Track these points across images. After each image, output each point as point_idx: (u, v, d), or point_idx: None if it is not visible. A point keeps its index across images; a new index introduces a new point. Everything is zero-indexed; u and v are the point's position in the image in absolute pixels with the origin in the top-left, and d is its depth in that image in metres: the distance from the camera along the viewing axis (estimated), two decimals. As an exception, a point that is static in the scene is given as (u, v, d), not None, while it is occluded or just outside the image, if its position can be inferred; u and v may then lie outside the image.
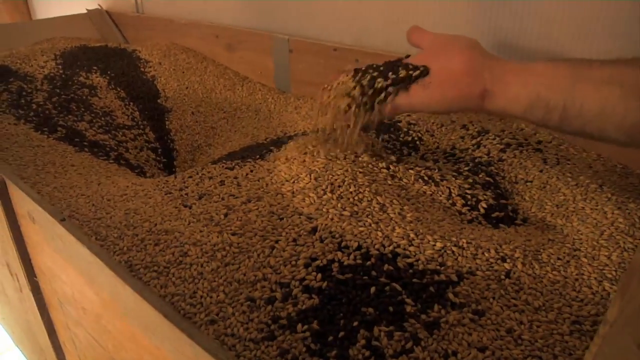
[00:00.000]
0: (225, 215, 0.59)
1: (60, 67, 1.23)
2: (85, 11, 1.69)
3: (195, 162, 1.09)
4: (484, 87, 0.55)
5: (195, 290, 0.50)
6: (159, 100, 1.18)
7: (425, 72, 0.58)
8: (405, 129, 0.82)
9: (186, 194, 0.67)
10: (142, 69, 1.28)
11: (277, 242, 0.53)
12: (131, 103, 1.16)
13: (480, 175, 0.67)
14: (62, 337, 0.66)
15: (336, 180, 0.60)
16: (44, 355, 0.80)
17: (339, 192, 0.59)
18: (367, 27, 1.02)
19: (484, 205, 0.62)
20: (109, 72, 1.23)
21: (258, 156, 0.75)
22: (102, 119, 1.07)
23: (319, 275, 0.49)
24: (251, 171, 0.70)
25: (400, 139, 0.80)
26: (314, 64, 1.08)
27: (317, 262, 0.50)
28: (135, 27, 1.62)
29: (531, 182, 0.68)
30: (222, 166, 0.74)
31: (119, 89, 1.18)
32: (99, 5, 1.71)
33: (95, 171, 0.86)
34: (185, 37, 1.42)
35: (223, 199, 0.63)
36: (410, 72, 0.59)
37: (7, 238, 0.63)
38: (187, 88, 1.23)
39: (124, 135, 1.06)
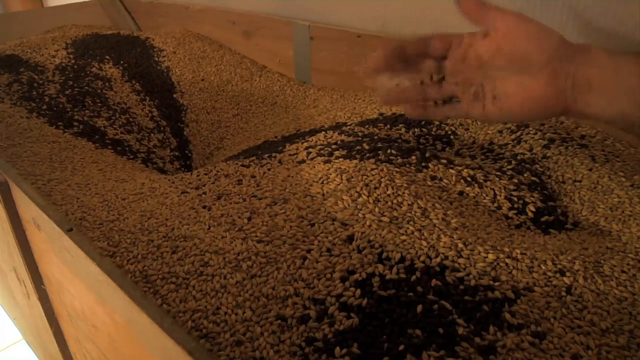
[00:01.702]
0: (249, 219, 0.54)
1: (71, 56, 1.19)
2: (97, -2, 1.64)
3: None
4: (564, 106, 0.47)
5: (219, 305, 0.45)
6: (174, 96, 1.13)
7: None
8: (437, 122, 0.77)
9: (204, 193, 0.62)
10: (156, 59, 1.23)
11: (309, 251, 0.48)
12: (147, 98, 1.10)
13: (525, 175, 0.61)
14: (72, 348, 0.62)
15: (371, 181, 0.55)
16: (54, 361, 0.77)
17: (375, 195, 0.53)
18: (393, 12, 0.95)
19: (532, 209, 0.56)
20: (122, 62, 1.18)
21: (273, 154, 0.70)
22: (122, 116, 1.02)
23: (358, 291, 0.43)
24: (269, 169, 0.65)
25: (433, 132, 0.75)
26: (336, 51, 1.02)
27: (356, 275, 0.45)
28: (148, 13, 1.57)
29: (580, 182, 0.62)
30: (238, 164, 0.69)
31: (133, 82, 1.13)
32: (111, -9, 1.66)
33: (119, 168, 0.82)
34: (200, 24, 1.37)
35: (244, 200, 0.58)
36: None
37: (12, 244, 0.58)
38: (202, 80, 1.17)
39: (149, 140, 1.01)
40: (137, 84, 1.13)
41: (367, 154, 0.61)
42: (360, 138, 0.68)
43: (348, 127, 0.75)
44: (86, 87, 1.06)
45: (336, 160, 0.60)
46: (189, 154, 1.05)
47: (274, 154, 0.69)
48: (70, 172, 0.76)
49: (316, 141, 0.70)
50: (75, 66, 1.14)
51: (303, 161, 0.63)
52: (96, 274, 0.37)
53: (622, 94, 0.45)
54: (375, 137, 0.70)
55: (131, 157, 0.91)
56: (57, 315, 0.60)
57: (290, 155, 0.67)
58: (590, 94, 0.46)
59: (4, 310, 1.12)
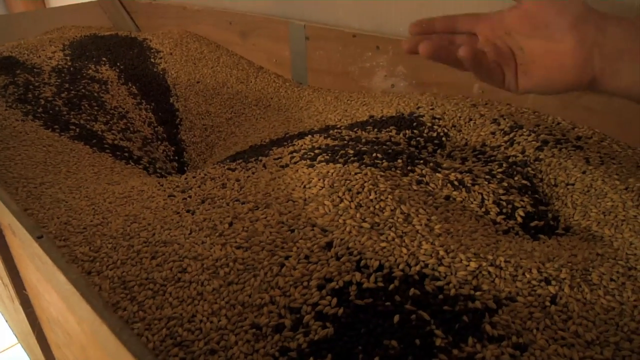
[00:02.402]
0: (230, 224, 0.53)
1: (68, 58, 1.18)
2: (97, -1, 1.64)
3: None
4: (593, 75, 0.45)
5: (195, 313, 0.44)
6: (170, 100, 1.11)
7: None
8: (429, 124, 0.75)
9: (189, 197, 0.62)
10: (153, 60, 1.22)
11: (287, 258, 0.47)
12: (143, 101, 1.09)
13: (516, 178, 0.60)
14: (56, 354, 0.61)
15: (354, 186, 0.54)
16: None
17: (357, 200, 0.52)
18: (387, 12, 0.94)
19: (521, 213, 0.55)
20: (118, 64, 1.17)
21: (259, 157, 0.69)
22: (120, 122, 1.01)
23: (335, 300, 0.42)
24: (253, 173, 0.64)
25: (424, 134, 0.73)
26: (331, 51, 1.01)
27: (333, 284, 0.44)
28: (148, 14, 1.56)
29: (573, 185, 0.61)
30: (224, 167, 0.68)
31: (129, 84, 1.12)
32: (111, -8, 1.66)
33: (117, 172, 0.81)
34: (198, 24, 1.36)
35: (228, 204, 0.57)
36: None
37: (-6, 249, 0.58)
38: (198, 82, 1.16)
39: (149, 148, 1.00)
40: (134, 86, 1.12)
41: (352, 158, 0.59)
42: (346, 142, 0.67)
43: (336, 130, 0.74)
44: (82, 90, 1.05)
45: (319, 165, 0.59)
46: (185, 164, 1.04)
47: (260, 158, 0.68)
48: (63, 175, 0.75)
49: (302, 145, 0.68)
50: (71, 68, 1.13)
51: (286, 165, 0.62)
52: (63, 283, 0.36)
53: None
54: (363, 141, 0.69)
55: (131, 163, 0.90)
56: (40, 320, 0.59)
57: (274, 159, 0.66)
58: (621, 63, 0.44)
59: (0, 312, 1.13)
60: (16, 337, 1.06)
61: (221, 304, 0.44)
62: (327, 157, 0.61)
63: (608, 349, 0.39)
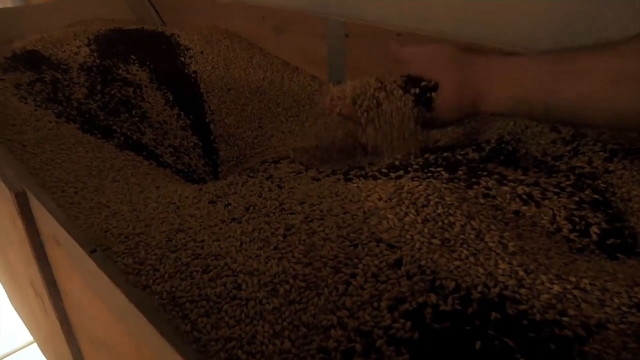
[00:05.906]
0: (284, 236, 0.50)
1: (95, 54, 1.14)
2: (121, -8, 1.61)
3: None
4: (475, 93, 0.60)
5: (254, 334, 0.41)
6: (206, 120, 1.06)
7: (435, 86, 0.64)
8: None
9: (229, 204, 0.58)
10: (183, 59, 1.17)
11: (353, 276, 0.43)
12: (182, 113, 1.04)
13: (587, 192, 0.56)
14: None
15: (418, 199, 0.50)
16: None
17: (424, 214, 0.49)
18: (431, 8, 0.90)
19: (596, 230, 0.51)
20: (147, 63, 1.12)
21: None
22: (166, 142, 0.96)
23: (408, 324, 0.39)
24: (286, 183, 0.61)
25: (483, 145, 0.69)
26: (373, 50, 0.97)
27: (406, 305, 0.40)
28: (173, 7, 1.52)
29: (649, 200, 0.56)
30: (262, 176, 0.66)
31: (164, 89, 1.07)
32: (136, -15, 1.62)
33: (168, 180, 0.79)
34: (228, 19, 1.32)
35: (274, 213, 0.54)
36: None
37: (30, 257, 0.54)
38: (229, 90, 1.11)
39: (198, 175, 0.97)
40: (168, 92, 1.07)
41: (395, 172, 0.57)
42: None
43: None
44: (117, 95, 1.01)
45: (356, 179, 0.57)
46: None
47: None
48: (111, 180, 0.72)
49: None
50: (100, 67, 1.09)
51: (318, 179, 0.60)
52: (121, 301, 0.33)
53: (515, 80, 0.58)
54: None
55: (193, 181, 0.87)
56: (79, 339, 0.56)
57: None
58: (492, 78, 0.59)
59: (20, 318, 1.10)
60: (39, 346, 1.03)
61: (283, 324, 0.41)
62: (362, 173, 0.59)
63: None
